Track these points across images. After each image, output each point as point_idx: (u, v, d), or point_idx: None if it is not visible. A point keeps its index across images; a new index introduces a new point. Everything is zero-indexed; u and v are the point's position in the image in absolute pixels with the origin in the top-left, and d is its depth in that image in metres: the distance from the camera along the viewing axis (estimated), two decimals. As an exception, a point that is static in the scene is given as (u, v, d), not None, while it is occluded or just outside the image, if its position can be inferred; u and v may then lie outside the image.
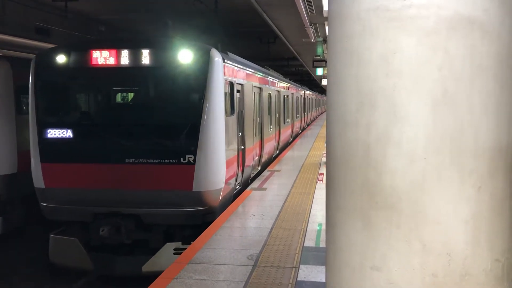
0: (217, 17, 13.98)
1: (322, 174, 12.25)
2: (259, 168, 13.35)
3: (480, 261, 2.12)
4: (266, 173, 12.71)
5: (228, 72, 9.07)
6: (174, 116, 8.27)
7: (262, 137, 13.47)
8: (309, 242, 6.68)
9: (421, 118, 2.06)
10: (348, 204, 2.26)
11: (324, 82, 31.10)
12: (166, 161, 7.96)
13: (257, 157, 12.79)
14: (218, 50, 8.89)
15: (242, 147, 10.51)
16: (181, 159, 7.91)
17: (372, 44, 2.13)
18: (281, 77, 21.28)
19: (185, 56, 8.02)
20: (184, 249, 6.99)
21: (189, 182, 7.89)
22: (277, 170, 13.11)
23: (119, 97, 10.03)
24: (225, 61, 8.76)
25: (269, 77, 15.69)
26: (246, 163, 10.92)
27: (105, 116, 8.94)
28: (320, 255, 6.10)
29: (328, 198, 2.45)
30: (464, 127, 2.06)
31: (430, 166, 2.07)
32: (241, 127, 10.54)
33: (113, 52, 8.20)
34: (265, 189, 10.53)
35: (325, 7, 10.89)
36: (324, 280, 2.55)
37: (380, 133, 2.13)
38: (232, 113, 9.42)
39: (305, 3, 11.19)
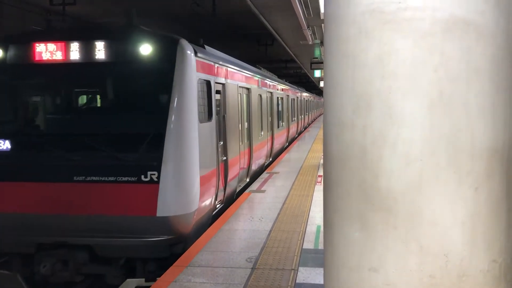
0: (214, 20, 13.99)
1: (321, 176, 12.25)
2: (248, 179, 11.82)
3: (477, 262, 2.12)
4: (265, 175, 12.71)
5: (203, 68, 7.57)
6: (132, 123, 6.80)
7: (251, 145, 12.06)
8: (308, 244, 6.68)
9: (417, 119, 2.07)
10: (345, 206, 2.27)
11: (322, 84, 31.12)
12: (123, 179, 6.43)
13: (244, 168, 11.33)
14: (199, 44, 7.89)
15: (224, 157, 9.00)
16: (142, 176, 6.39)
17: (368, 47, 2.14)
18: (275, 77, 19.71)
19: (146, 48, 6.58)
20: (148, 287, 6.26)
21: (152, 205, 6.36)
22: (276, 172, 13.11)
23: (66, 101, 7.82)
24: (199, 55, 7.25)
25: (260, 77, 14.07)
26: (230, 176, 9.37)
27: (48, 124, 7.45)
28: (319, 257, 6.10)
29: (325, 200, 2.46)
30: (460, 129, 2.07)
31: (427, 167, 2.08)
32: (222, 134, 8.98)
33: (60, 45, 6.75)
34: (263, 191, 10.53)
35: (322, 9, 10.92)
36: (323, 282, 2.56)
37: (376, 134, 2.14)
38: (209, 118, 7.85)
39: (302, 5, 11.22)
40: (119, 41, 6.82)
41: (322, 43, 16.93)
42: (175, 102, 6.54)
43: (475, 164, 2.09)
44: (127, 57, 6.75)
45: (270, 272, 5.64)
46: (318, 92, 65.06)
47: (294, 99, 24.83)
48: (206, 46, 8.54)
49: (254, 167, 12.51)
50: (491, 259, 2.15)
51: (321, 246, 6.57)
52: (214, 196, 8.03)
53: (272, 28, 14.60)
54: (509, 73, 2.13)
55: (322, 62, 21.45)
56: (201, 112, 7.29)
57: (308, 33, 14.29)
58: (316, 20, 13.02)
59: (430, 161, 2.07)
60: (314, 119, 49.93)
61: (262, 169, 14.12)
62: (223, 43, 20.75)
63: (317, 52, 21.38)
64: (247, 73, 11.91)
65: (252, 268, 5.80)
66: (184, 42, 6.83)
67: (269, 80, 15.98)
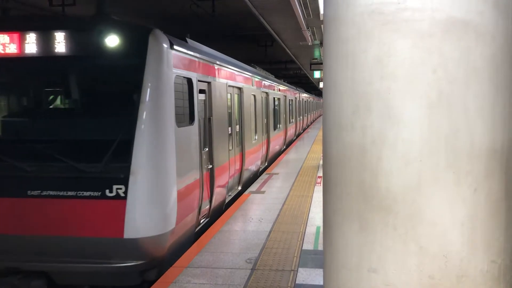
0: (214, 21, 13.99)
1: (321, 176, 12.25)
2: (239, 187, 10.80)
3: (476, 262, 2.13)
4: (264, 176, 12.71)
5: (183, 64, 6.58)
6: (96, 127, 5.87)
7: (243, 149, 10.98)
8: (308, 245, 6.68)
9: (416, 120, 2.07)
10: (345, 206, 2.27)
11: (322, 85, 31.13)
12: (84, 194, 5.45)
13: (235, 175, 10.26)
14: (180, 37, 7.00)
15: (210, 166, 8.00)
16: (107, 191, 5.43)
17: (367, 47, 2.15)
18: (272, 77, 18.55)
19: (113, 39, 5.63)
20: None
21: (118, 225, 5.38)
22: (275, 173, 13.11)
23: (18, 101, 6.63)
24: (177, 48, 6.25)
25: (254, 75, 12.90)
26: (217, 186, 8.35)
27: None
28: (319, 258, 6.10)
29: (325, 201, 2.46)
30: (459, 129, 2.07)
31: (426, 168, 2.08)
32: (207, 139, 7.99)
33: (14, 36, 5.79)
34: (263, 192, 10.53)
35: (322, 10, 10.92)
36: (322, 283, 2.56)
37: (376, 135, 2.14)
38: (190, 121, 6.83)
39: (301, 6, 11.23)
40: (83, 32, 5.81)
41: (321, 44, 16.96)
42: (145, 102, 5.53)
43: (474, 165, 2.09)
44: (90, 50, 5.73)
45: (270, 273, 5.64)
46: (318, 93, 65.12)
47: (292, 99, 23.91)
48: (189, 40, 7.57)
49: (247, 174, 11.48)
50: (490, 259, 2.15)
51: (320, 247, 6.57)
52: (197, 211, 7.06)
53: (272, 29, 14.61)
54: (508, 74, 2.13)
55: (321, 63, 21.48)
56: (179, 114, 6.34)
57: (307, 34, 14.31)
58: (315, 21, 13.04)
59: (429, 162, 2.08)
60: (314, 120, 49.93)
61: (256, 175, 13.13)
62: (223, 45, 20.78)
63: (316, 53, 21.44)
64: (239, 71, 10.79)
65: (251, 269, 5.80)
66: (158, 33, 5.89)
67: (264, 79, 14.86)
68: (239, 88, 10.91)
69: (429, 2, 2.04)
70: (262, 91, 14.26)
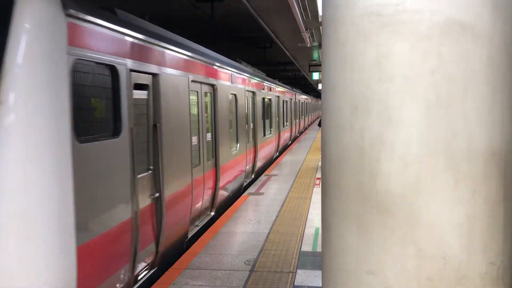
0: (213, 23, 13.97)
1: (319, 178, 12.25)
2: (212, 213, 8.68)
3: (475, 265, 2.12)
4: (263, 177, 12.71)
5: (96, 43, 4.37)
6: None
7: (217, 165, 8.81)
8: (306, 247, 6.68)
9: (415, 122, 2.07)
10: (343, 208, 2.27)
11: (320, 86, 31.05)
12: None
13: (206, 198, 8.13)
14: (110, 10, 5.19)
15: (156, 195, 5.73)
16: None
17: (365, 49, 2.15)
18: (263, 75, 16.56)
19: None
20: None
21: None
22: (274, 175, 13.11)
23: None
24: (79, 16, 4.06)
25: (236, 71, 10.69)
26: (170, 222, 6.18)
27: None
28: (317, 260, 6.10)
29: (323, 203, 2.46)
30: (458, 131, 2.07)
31: (424, 170, 2.08)
32: (151, 157, 5.77)
33: None
34: (262, 194, 10.53)
35: (321, 12, 10.94)
36: (321, 285, 2.56)
37: (374, 137, 2.14)
38: (114, 132, 4.75)
39: (300, 8, 11.24)
40: None
41: (320, 45, 16.98)
42: (7, 102, 3.32)
43: (472, 167, 2.09)
44: None
45: (269, 275, 5.64)
46: (317, 94, 65.19)
47: (286, 101, 21.93)
48: (121, 12, 5.45)
49: (221, 195, 9.12)
50: (489, 261, 2.15)
51: (319, 249, 6.57)
52: (127, 268, 4.93)
53: (271, 30, 14.64)
54: (507, 76, 2.13)
55: (320, 65, 21.51)
56: (84, 122, 4.23)
57: (306, 35, 14.34)
58: (314, 22, 13.06)
59: (427, 164, 2.08)
60: (312, 122, 49.97)
61: (240, 192, 11.09)
62: (221, 46, 20.81)
63: (315, 55, 21.49)
64: (211, 63, 8.44)
65: (250, 270, 5.79)
66: None
67: (251, 76, 12.63)
68: (212, 85, 8.70)
69: (427, 4, 2.04)
70: (247, 90, 12.16)
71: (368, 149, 2.16)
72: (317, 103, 57.40)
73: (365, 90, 2.16)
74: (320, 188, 10.44)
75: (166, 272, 5.80)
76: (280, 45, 17.98)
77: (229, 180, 9.74)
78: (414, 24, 2.06)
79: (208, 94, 8.60)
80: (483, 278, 2.14)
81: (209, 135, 8.53)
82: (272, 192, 10.73)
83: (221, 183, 8.96)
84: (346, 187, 2.25)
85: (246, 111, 11.97)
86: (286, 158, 17.25)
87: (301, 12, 11.65)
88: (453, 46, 2.04)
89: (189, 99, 7.08)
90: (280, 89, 19.66)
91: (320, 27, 12.89)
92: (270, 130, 16.26)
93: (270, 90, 16.33)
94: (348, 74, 2.22)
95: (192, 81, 7.34)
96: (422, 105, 2.06)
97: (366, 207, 2.18)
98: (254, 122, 13.03)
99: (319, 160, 15.66)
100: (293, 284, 5.38)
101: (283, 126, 20.22)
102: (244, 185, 11.67)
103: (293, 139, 26.09)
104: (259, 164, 13.61)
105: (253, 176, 12.96)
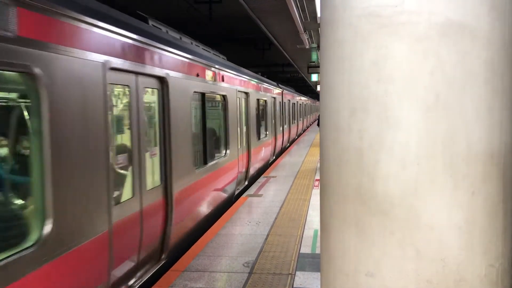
0: (211, 24, 13.96)
1: (318, 180, 12.24)
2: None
3: (474, 267, 2.11)
4: (262, 179, 12.69)
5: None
6: None
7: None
8: (305, 249, 6.66)
9: (413, 123, 2.07)
10: (342, 210, 2.26)
11: (319, 88, 30.98)
12: None
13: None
14: None
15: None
16: None
17: (363, 50, 2.14)
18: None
19: None
20: None
21: None
22: (273, 176, 13.10)
23: None
24: None
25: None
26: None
27: None
28: (316, 262, 6.08)
29: (322, 204, 2.45)
30: (456, 132, 2.06)
31: (423, 171, 2.07)
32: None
33: None
34: (261, 195, 10.51)
35: (319, 13, 10.92)
36: (320, 287, 2.55)
37: (373, 138, 2.13)
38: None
39: (299, 9, 11.24)
40: None
41: (319, 47, 16.97)
42: None
43: (471, 168, 2.08)
44: None
45: (267, 277, 5.62)
46: (316, 96, 65.24)
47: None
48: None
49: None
50: (488, 263, 2.14)
51: (318, 251, 6.55)
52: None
53: (269, 32, 14.63)
54: (505, 77, 2.13)
55: (319, 66, 21.50)
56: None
57: (305, 37, 14.33)
58: (312, 24, 13.05)
59: (426, 165, 2.07)
60: (311, 124, 49.95)
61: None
62: (220, 48, 20.79)
63: (314, 56, 21.48)
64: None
65: (249, 272, 5.78)
66: None
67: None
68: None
69: (425, 5, 2.04)
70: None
71: (367, 151, 2.15)
72: (314, 104, 57.32)
73: (363, 91, 2.15)
74: (319, 190, 10.39)
75: (165, 274, 5.78)
76: (278, 46, 17.98)
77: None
78: (413, 25, 2.05)
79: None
80: (482, 281, 2.13)
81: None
82: (271, 193, 10.72)
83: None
84: (345, 188, 2.24)
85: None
86: (285, 160, 17.24)
87: (300, 14, 11.64)
88: (451, 47, 2.04)
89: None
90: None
91: (319, 29, 12.88)
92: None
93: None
94: (346, 75, 2.21)
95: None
96: (421, 106, 2.06)
97: (364, 209, 2.17)
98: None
99: (318, 162, 15.66)
100: (292, 286, 5.37)
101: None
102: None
103: (292, 141, 25.70)
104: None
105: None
